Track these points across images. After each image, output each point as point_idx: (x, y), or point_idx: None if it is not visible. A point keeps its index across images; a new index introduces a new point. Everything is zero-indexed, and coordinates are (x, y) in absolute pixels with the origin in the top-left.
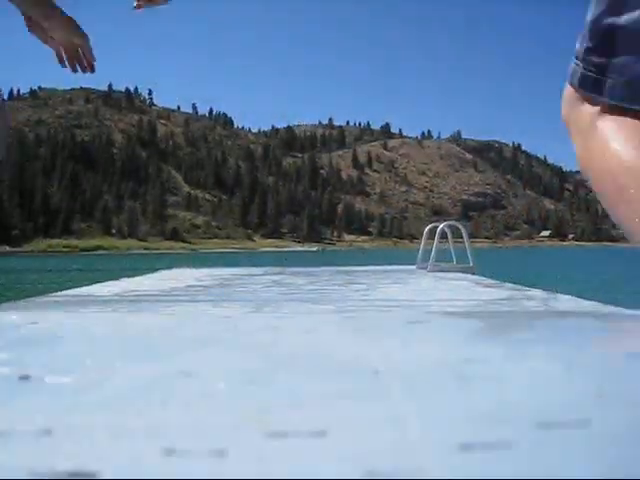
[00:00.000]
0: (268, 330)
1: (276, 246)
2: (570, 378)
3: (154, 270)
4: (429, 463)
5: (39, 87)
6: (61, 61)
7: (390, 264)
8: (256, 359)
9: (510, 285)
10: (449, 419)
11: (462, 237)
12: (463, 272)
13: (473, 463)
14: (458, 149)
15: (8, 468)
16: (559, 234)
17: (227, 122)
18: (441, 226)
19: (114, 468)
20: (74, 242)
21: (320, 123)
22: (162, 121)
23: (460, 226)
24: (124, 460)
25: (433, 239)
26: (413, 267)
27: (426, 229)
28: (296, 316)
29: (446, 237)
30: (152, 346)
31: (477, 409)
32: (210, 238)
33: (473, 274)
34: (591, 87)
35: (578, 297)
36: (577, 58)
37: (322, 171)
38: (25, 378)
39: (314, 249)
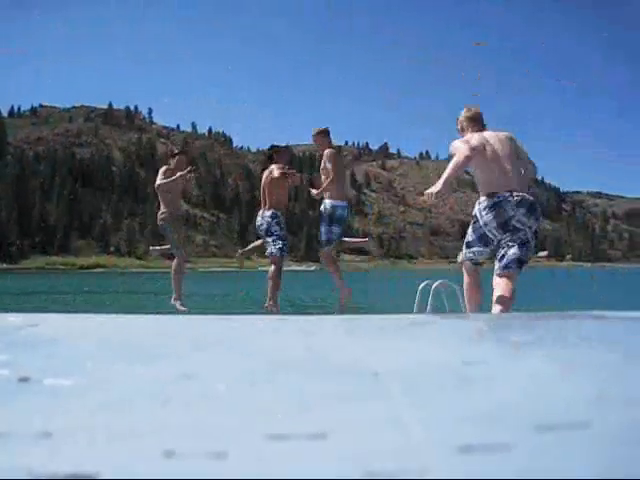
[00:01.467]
0: (268, 333)
1: None
2: (569, 380)
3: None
4: (429, 464)
5: (40, 105)
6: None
7: (389, 281)
8: (256, 361)
9: (507, 313)
10: (449, 421)
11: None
12: None
13: (473, 465)
14: None
15: (8, 470)
16: (557, 254)
17: (226, 141)
18: (435, 285)
19: (114, 470)
20: (72, 260)
21: None
22: (162, 140)
23: (455, 287)
24: (124, 462)
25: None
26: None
27: (420, 287)
28: (296, 319)
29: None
30: (152, 348)
31: (477, 411)
32: (208, 257)
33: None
34: None
35: None
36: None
37: None
38: (24, 380)
39: (312, 269)
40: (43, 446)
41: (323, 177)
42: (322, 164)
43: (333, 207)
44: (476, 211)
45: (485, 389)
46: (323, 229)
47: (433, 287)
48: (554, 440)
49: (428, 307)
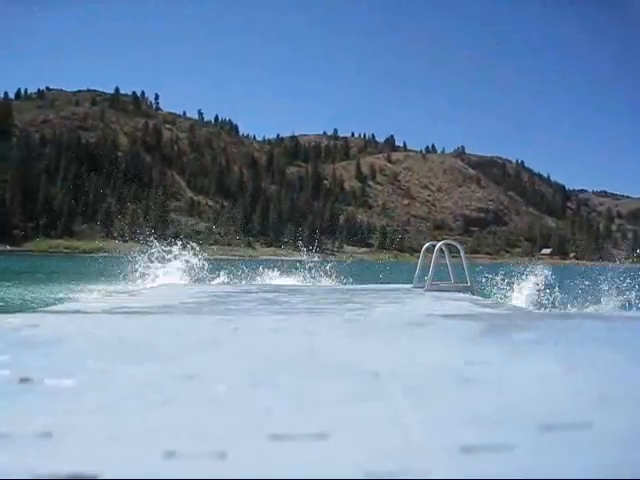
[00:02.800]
0: (269, 332)
1: (276, 255)
2: (572, 380)
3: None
4: (430, 465)
5: (47, 87)
6: None
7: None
8: (257, 361)
9: (510, 305)
10: (450, 421)
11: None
12: (460, 291)
13: (475, 465)
14: (461, 164)
15: (9, 470)
16: (560, 252)
17: (232, 129)
18: (439, 245)
19: (114, 470)
20: (75, 243)
21: (324, 133)
22: (167, 126)
23: (458, 245)
24: (124, 462)
25: (430, 257)
26: (410, 286)
27: (424, 247)
28: (297, 319)
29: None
30: (153, 348)
31: (478, 411)
32: (211, 244)
33: (471, 293)
34: None
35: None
36: None
37: (325, 181)
38: (26, 381)
39: (315, 259)
40: (44, 446)
41: None
42: None
43: None
44: None
45: (487, 390)
46: None
47: (437, 246)
48: (556, 440)
49: (431, 267)
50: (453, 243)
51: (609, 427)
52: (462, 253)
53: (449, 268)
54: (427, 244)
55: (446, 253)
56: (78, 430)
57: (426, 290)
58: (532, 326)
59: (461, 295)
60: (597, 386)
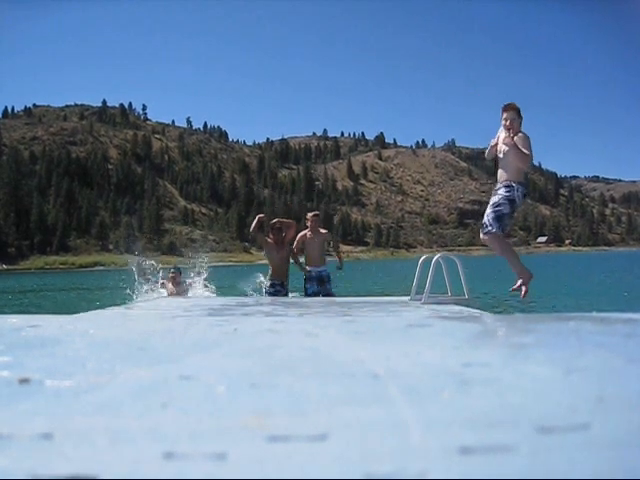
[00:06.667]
0: (268, 334)
1: None
2: (570, 382)
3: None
4: (429, 466)
5: (34, 104)
6: None
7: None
8: (256, 363)
9: (508, 315)
10: (448, 423)
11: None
12: (458, 304)
13: (473, 466)
14: (452, 157)
15: (9, 471)
16: (556, 240)
17: (222, 135)
18: (436, 257)
19: (114, 471)
20: (71, 259)
21: (314, 134)
22: (157, 136)
23: (455, 259)
24: (124, 463)
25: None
26: (407, 298)
27: (420, 260)
28: (296, 319)
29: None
30: (152, 350)
31: (477, 413)
32: (207, 252)
33: (468, 306)
34: None
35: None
36: None
37: (317, 182)
38: (25, 381)
39: None
40: (44, 447)
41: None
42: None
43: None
44: (515, 195)
45: (485, 391)
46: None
47: (434, 260)
48: (554, 442)
49: (428, 280)
50: (450, 256)
51: (606, 429)
52: (459, 266)
53: (446, 281)
54: (423, 257)
55: (443, 266)
56: (78, 431)
57: (423, 303)
58: (530, 329)
59: (458, 309)
60: (594, 388)
